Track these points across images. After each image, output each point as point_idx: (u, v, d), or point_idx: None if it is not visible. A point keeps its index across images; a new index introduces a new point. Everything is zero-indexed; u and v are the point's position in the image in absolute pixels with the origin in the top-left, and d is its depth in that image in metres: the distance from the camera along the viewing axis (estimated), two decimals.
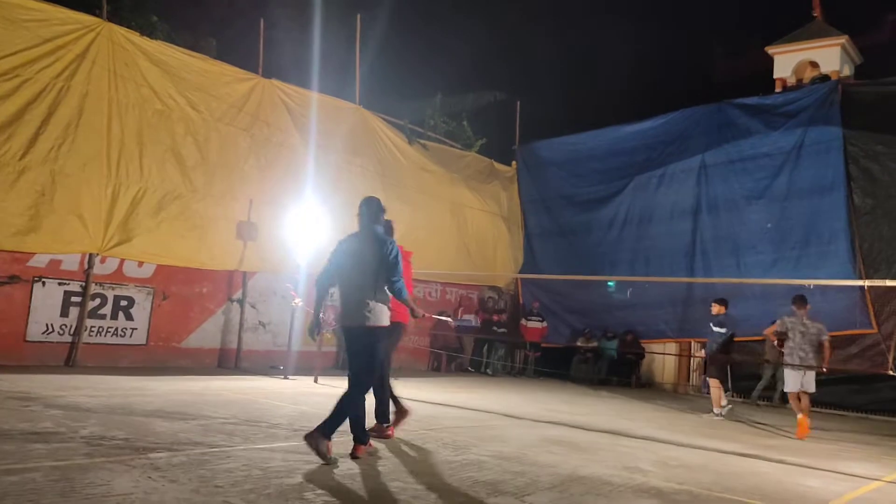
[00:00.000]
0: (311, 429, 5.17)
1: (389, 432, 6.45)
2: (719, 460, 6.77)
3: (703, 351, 11.25)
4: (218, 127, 12.16)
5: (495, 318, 16.58)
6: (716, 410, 10.69)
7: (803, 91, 15.15)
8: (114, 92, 10.90)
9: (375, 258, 5.54)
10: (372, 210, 5.79)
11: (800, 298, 9.44)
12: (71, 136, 10.33)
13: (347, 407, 5.35)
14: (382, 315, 5.53)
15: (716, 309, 10.79)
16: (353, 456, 5.36)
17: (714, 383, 10.85)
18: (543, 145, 18.64)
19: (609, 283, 16.52)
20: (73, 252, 10.45)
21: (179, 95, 11.70)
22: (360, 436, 5.46)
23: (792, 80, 17.11)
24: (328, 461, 5.07)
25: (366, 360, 5.50)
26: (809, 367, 9.05)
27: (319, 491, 4.27)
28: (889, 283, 9.40)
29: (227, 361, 12.30)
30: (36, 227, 9.92)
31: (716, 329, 10.72)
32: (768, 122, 14.85)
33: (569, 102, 22.95)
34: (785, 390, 9.66)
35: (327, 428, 5.17)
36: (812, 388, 9.19)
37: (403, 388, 11.15)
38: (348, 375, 5.55)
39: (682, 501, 4.81)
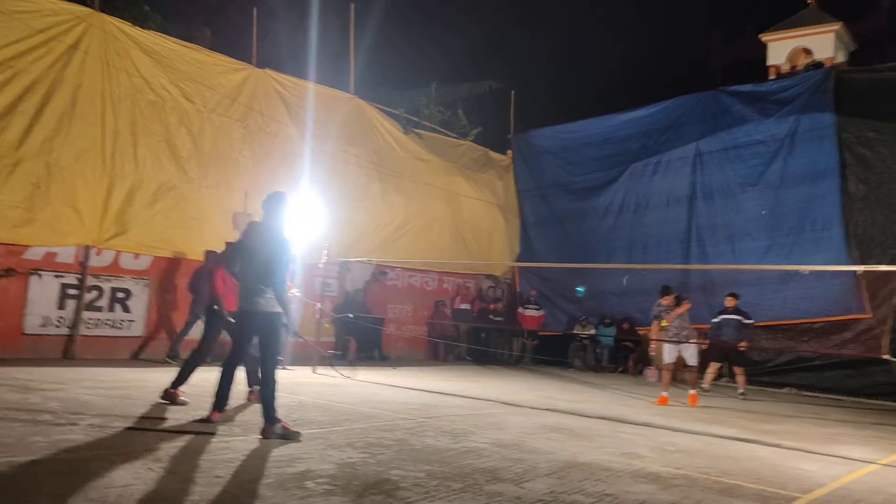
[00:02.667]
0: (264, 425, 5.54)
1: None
2: (716, 445, 6.82)
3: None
4: (212, 118, 12.12)
5: (492, 307, 16.62)
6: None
7: (797, 78, 15.16)
8: (106, 83, 10.84)
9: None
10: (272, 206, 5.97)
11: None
12: (65, 127, 10.29)
13: (271, 389, 5.64)
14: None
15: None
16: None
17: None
18: (538, 134, 18.61)
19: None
20: (68, 244, 10.43)
21: (172, 86, 11.65)
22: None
23: (786, 68, 17.13)
24: (295, 437, 5.45)
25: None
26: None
27: (319, 479, 4.29)
28: (883, 268, 9.46)
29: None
30: (31, 220, 9.89)
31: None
32: (762, 110, 14.86)
33: (563, 90, 22.92)
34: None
35: (269, 415, 5.53)
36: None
37: (402, 377, 11.23)
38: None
39: (679, 486, 4.85)
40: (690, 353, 10.53)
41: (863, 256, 13.02)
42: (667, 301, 10.47)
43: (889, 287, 11.67)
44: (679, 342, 10.39)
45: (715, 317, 12.41)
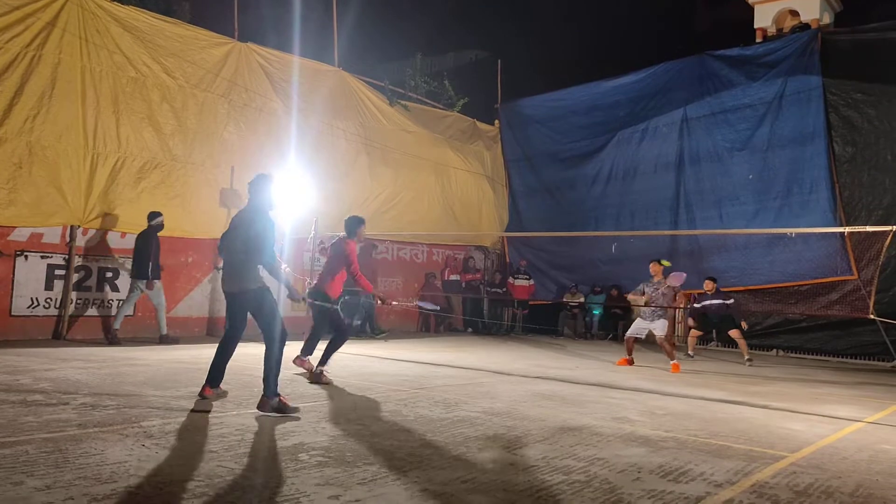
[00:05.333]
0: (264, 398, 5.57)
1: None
2: (705, 408, 6.90)
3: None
4: (195, 93, 11.98)
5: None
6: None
7: (783, 41, 15.10)
8: (86, 60, 10.68)
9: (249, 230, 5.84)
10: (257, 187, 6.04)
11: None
12: (45, 106, 10.15)
13: (273, 362, 5.67)
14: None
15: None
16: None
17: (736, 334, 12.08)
18: (525, 103, 18.53)
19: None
20: (53, 225, 10.35)
21: (154, 62, 11.49)
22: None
23: (772, 30, 17.06)
24: (291, 412, 5.48)
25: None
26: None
27: (313, 451, 4.32)
28: (869, 228, 9.52)
29: (216, 330, 12.29)
30: (15, 201, 9.80)
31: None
32: (749, 73, 14.82)
33: (549, 58, 22.76)
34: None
35: (269, 389, 5.55)
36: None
37: (394, 350, 11.28)
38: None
39: (669, 448, 4.91)
40: (658, 327, 10.53)
41: (849, 218, 13.11)
42: (654, 269, 10.68)
43: (875, 248, 11.76)
44: (651, 319, 10.61)
45: (697, 302, 12.51)
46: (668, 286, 10.56)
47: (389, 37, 20.89)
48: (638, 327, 10.81)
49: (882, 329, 11.10)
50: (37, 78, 10.12)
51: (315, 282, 7.99)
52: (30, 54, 10.08)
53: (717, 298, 12.06)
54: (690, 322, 12.75)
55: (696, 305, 12.48)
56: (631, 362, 10.86)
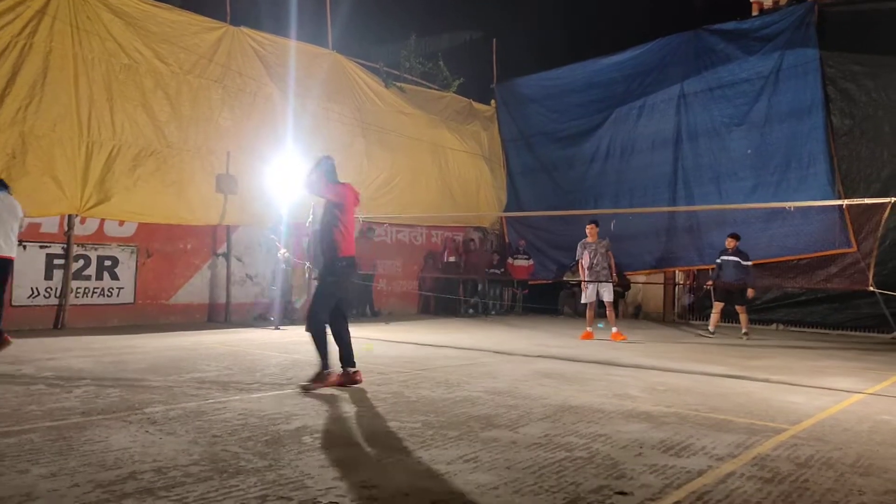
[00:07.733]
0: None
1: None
2: (706, 383, 6.93)
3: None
4: (188, 79, 11.91)
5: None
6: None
7: (780, 13, 14.97)
8: (78, 48, 10.61)
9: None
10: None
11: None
12: (38, 95, 10.10)
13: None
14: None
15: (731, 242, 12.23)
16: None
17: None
18: (522, 82, 18.43)
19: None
20: (51, 215, 10.35)
21: (146, 48, 11.42)
22: None
23: (769, 3, 16.89)
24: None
25: None
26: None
27: (316, 434, 4.34)
28: (868, 201, 9.49)
29: (217, 315, 12.34)
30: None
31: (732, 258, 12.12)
32: (746, 48, 14.73)
33: (544, 36, 22.56)
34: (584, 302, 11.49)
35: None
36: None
37: (394, 332, 11.31)
38: None
39: (670, 423, 4.94)
40: (607, 291, 11.14)
41: (847, 191, 13.09)
42: (591, 231, 11.13)
43: (873, 220, 11.75)
44: (598, 281, 11.07)
45: (717, 257, 12.53)
46: (604, 245, 11.14)
47: (383, 19, 20.69)
48: (592, 292, 11.22)
49: (881, 301, 11.13)
50: (28, 67, 10.06)
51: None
52: (20, 43, 10.01)
53: (736, 256, 12.05)
54: (709, 284, 12.77)
55: (717, 261, 12.40)
56: (593, 335, 11.21)
